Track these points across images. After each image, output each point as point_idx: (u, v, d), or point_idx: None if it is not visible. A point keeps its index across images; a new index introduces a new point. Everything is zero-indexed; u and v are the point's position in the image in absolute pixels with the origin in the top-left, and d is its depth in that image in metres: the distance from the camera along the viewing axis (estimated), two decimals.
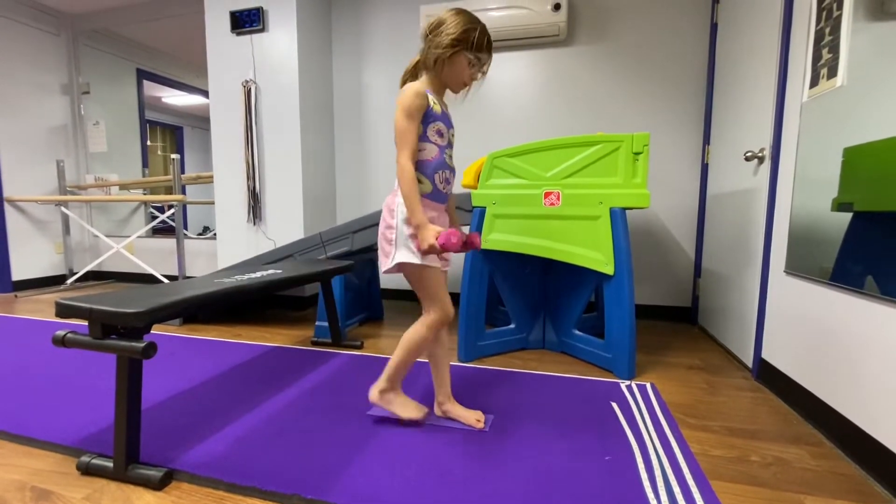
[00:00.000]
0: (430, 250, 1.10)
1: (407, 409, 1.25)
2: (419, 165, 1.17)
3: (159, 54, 4.13)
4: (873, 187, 1.08)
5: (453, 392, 1.35)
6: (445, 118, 1.20)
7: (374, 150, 2.94)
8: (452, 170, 1.26)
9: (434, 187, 1.19)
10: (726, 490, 0.99)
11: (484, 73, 1.20)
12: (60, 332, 1.01)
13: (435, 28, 1.14)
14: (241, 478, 1.01)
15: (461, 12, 1.14)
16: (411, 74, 1.22)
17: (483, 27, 1.14)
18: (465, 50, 1.12)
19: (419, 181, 1.17)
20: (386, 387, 1.26)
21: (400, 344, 1.24)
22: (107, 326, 0.98)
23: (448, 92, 1.23)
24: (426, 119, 1.15)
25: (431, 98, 1.15)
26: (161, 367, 1.71)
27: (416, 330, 1.23)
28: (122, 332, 1.00)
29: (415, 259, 1.15)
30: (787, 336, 1.47)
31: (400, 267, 1.18)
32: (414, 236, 1.14)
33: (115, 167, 3.74)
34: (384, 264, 1.20)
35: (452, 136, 1.24)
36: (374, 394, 1.26)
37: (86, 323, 0.98)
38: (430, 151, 1.18)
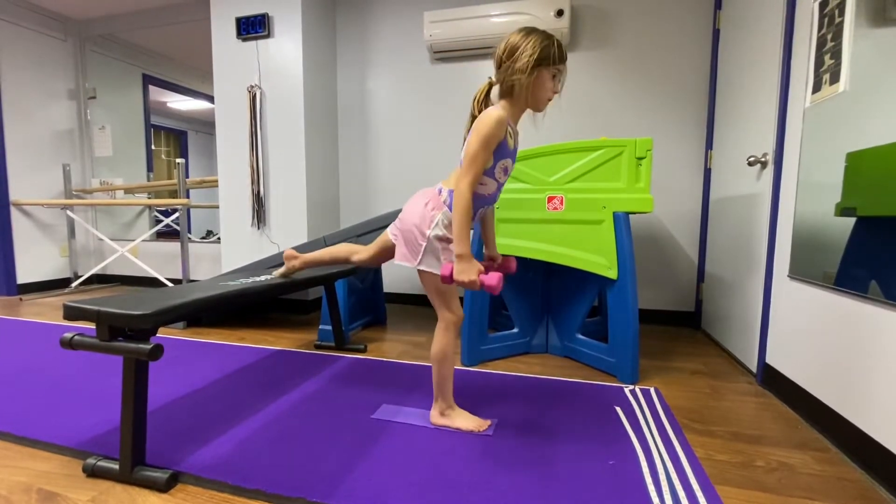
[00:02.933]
0: (468, 285, 1.07)
1: (469, 421, 1.27)
2: (473, 198, 1.13)
3: (165, 60, 4.17)
4: (876, 192, 1.08)
5: (456, 396, 1.35)
6: (514, 154, 1.19)
7: (377, 156, 2.95)
8: (495, 202, 1.27)
9: (473, 219, 1.19)
10: (731, 495, 0.99)
11: (562, 84, 1.17)
12: (68, 335, 1.02)
13: (511, 53, 1.10)
14: (246, 480, 1.01)
15: (532, 31, 1.11)
16: (483, 102, 1.17)
17: (557, 39, 1.12)
18: (547, 66, 1.10)
19: None
20: (443, 406, 1.29)
21: (432, 361, 1.27)
22: (114, 328, 0.99)
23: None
24: (499, 153, 1.12)
25: (509, 130, 1.13)
26: (165, 370, 1.71)
27: (438, 340, 1.25)
28: (128, 335, 1.01)
29: (438, 270, 1.16)
30: (791, 341, 1.47)
31: (420, 273, 1.20)
32: (446, 249, 1.16)
33: (121, 171, 3.77)
34: (404, 259, 1.21)
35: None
36: (435, 416, 1.30)
37: (92, 325, 0.99)
38: (490, 187, 1.17)
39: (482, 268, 1.09)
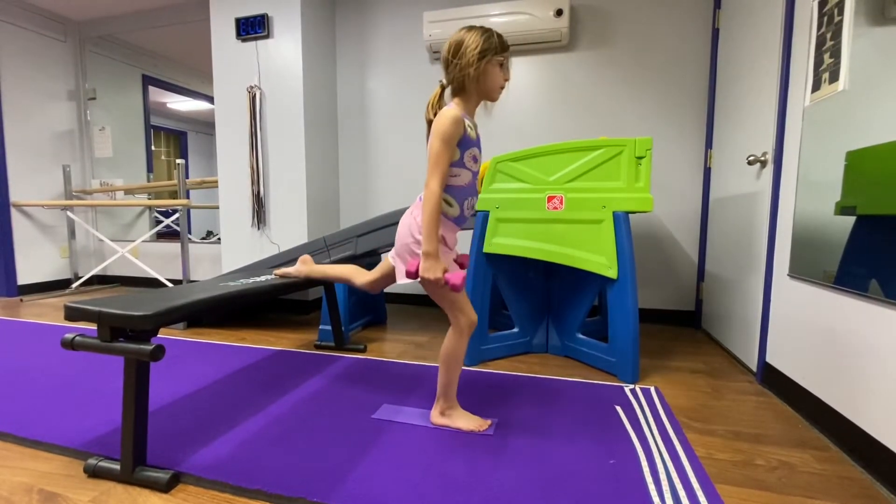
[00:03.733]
0: (433, 282, 1.11)
1: (470, 422, 1.27)
2: (451, 190, 1.19)
3: (165, 60, 4.17)
4: (876, 191, 1.08)
5: (457, 396, 1.35)
6: (479, 143, 1.23)
7: (377, 155, 2.95)
8: (477, 194, 1.28)
9: (461, 212, 1.23)
10: (732, 494, 0.99)
11: (510, 73, 1.23)
12: (69, 336, 1.02)
13: (456, 51, 1.16)
14: (246, 480, 1.01)
15: (471, 27, 1.17)
16: (437, 105, 1.22)
17: (495, 31, 1.18)
18: (493, 56, 1.16)
19: (449, 204, 1.20)
20: (444, 406, 1.29)
21: (440, 362, 1.27)
22: (115, 329, 0.99)
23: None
24: (463, 145, 1.16)
25: (468, 123, 1.17)
26: (166, 371, 1.72)
27: (449, 342, 1.25)
28: (130, 335, 1.01)
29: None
30: (791, 340, 1.47)
31: (424, 282, 1.19)
32: (443, 252, 1.17)
33: (121, 172, 3.77)
34: (403, 277, 1.21)
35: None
36: (435, 416, 1.30)
37: (93, 326, 0.99)
38: (465, 177, 1.20)
39: (447, 266, 1.12)
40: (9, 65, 3.21)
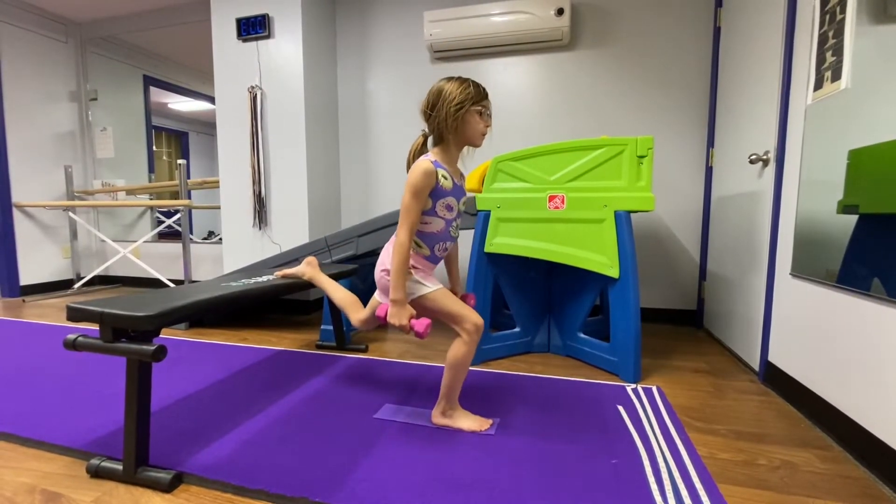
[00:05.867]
0: (399, 328, 1.16)
1: (471, 421, 1.27)
2: (422, 235, 1.24)
3: (166, 61, 4.18)
4: (879, 189, 1.08)
5: (459, 395, 1.35)
6: (457, 191, 1.25)
7: (378, 156, 2.95)
8: (454, 239, 1.32)
9: (432, 253, 1.27)
10: (734, 494, 0.99)
11: (491, 118, 1.24)
12: (71, 336, 1.02)
13: (434, 102, 1.19)
14: (249, 481, 1.01)
15: (450, 79, 1.20)
16: (418, 153, 1.24)
17: (472, 80, 1.20)
18: (472, 105, 1.17)
19: (419, 245, 1.25)
20: (445, 407, 1.29)
21: (447, 366, 1.26)
22: (117, 330, 0.99)
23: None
24: (435, 195, 1.19)
25: (441, 173, 1.19)
26: (168, 372, 1.72)
27: (458, 348, 1.24)
28: (132, 336, 1.01)
29: (423, 290, 1.22)
30: (793, 339, 1.47)
31: (415, 304, 1.22)
32: (418, 276, 1.23)
33: (122, 173, 3.78)
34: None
35: (464, 203, 1.29)
36: (436, 416, 1.30)
37: (95, 327, 0.99)
38: (437, 225, 1.24)
39: (414, 312, 1.18)
40: (10, 66, 3.22)
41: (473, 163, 2.13)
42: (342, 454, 1.13)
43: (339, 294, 1.55)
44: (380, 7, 2.86)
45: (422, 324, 1.16)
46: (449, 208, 1.23)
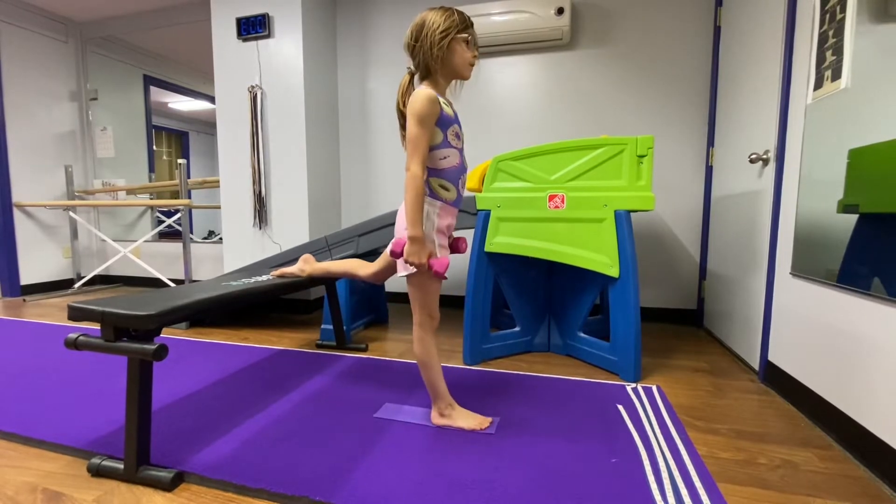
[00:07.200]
0: (417, 265, 1.11)
1: (471, 420, 1.27)
2: (444, 173, 1.18)
3: (166, 61, 4.18)
4: (879, 189, 1.08)
5: (458, 395, 1.35)
6: (458, 119, 1.22)
7: (378, 155, 2.95)
8: (467, 168, 1.28)
9: (458, 194, 1.22)
10: (734, 493, 0.99)
11: (478, 48, 1.22)
12: (73, 335, 1.02)
13: (418, 33, 1.15)
14: (250, 480, 1.01)
15: (431, 9, 1.16)
16: (407, 92, 1.21)
17: (456, 8, 1.16)
18: (457, 33, 1.14)
19: (446, 189, 1.19)
20: (442, 405, 1.29)
21: (418, 364, 1.27)
22: (118, 329, 0.99)
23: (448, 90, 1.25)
24: (443, 124, 1.15)
25: (442, 101, 1.16)
26: (169, 371, 1.72)
27: (419, 344, 1.25)
28: (133, 335, 1.01)
29: (438, 252, 1.18)
30: (793, 338, 1.47)
31: (407, 263, 1.17)
32: (441, 239, 1.18)
33: (123, 172, 3.78)
34: (405, 268, 1.18)
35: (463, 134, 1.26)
36: (435, 417, 1.30)
37: (96, 326, 0.99)
38: (454, 158, 1.19)
39: (433, 252, 1.12)
40: (11, 66, 3.22)
41: (473, 163, 2.14)
42: (343, 453, 1.13)
43: (340, 264, 1.54)
44: (380, 6, 2.86)
45: (441, 263, 1.10)
46: (458, 136, 1.20)
